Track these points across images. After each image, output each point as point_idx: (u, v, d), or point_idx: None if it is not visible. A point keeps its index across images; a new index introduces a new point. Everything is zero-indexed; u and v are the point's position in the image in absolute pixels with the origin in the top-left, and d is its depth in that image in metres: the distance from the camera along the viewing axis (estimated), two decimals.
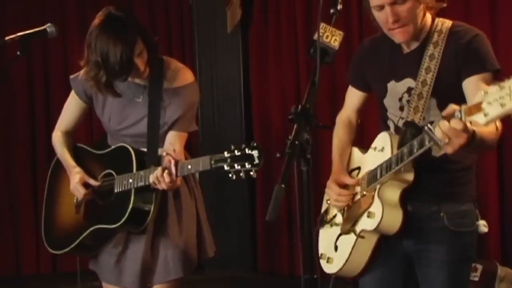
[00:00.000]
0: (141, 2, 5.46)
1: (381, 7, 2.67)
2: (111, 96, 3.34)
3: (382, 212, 2.67)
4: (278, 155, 2.25)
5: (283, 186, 2.13)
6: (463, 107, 2.28)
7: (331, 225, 2.97)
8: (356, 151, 3.02)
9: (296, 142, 2.23)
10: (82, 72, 3.40)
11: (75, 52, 5.37)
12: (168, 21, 5.45)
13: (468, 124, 2.31)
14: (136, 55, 3.18)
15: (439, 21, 2.79)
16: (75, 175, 3.44)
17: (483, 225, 2.78)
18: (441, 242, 2.76)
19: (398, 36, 2.74)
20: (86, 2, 5.50)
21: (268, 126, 5.04)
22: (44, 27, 3.35)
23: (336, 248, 2.91)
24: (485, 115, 2.13)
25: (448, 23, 2.78)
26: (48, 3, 5.58)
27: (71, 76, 3.53)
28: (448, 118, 2.36)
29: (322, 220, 3.02)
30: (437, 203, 2.76)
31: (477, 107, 2.16)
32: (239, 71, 5.10)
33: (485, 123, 2.14)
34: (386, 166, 2.68)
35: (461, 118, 2.27)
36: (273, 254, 5.02)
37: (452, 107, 2.36)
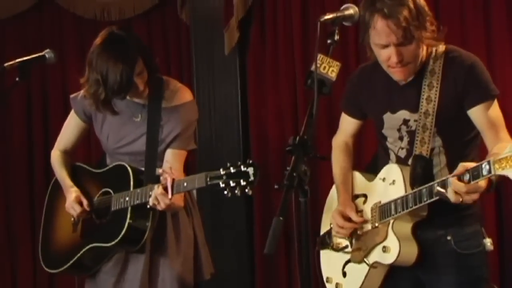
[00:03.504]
0: (140, 23, 5.47)
1: (385, 46, 2.69)
2: (108, 113, 3.37)
3: (399, 248, 2.73)
4: (276, 186, 2.27)
5: (281, 218, 2.15)
6: (492, 159, 2.31)
7: (337, 250, 3.00)
8: (359, 176, 3.04)
9: (294, 174, 2.25)
10: (82, 91, 3.44)
11: (74, 77, 5.44)
12: (166, 42, 5.46)
13: (482, 183, 2.37)
14: (135, 75, 3.21)
15: (433, 47, 2.81)
16: (71, 194, 3.46)
17: (489, 243, 2.82)
18: (449, 265, 2.80)
19: (398, 74, 2.76)
20: (84, 27, 5.51)
21: (266, 146, 5.04)
22: (43, 53, 3.39)
23: (344, 274, 2.95)
24: None
25: (441, 48, 2.80)
26: (47, 29, 5.59)
27: (71, 96, 3.56)
28: (459, 177, 2.40)
29: (323, 241, 3.05)
30: (443, 228, 2.79)
31: (507, 161, 2.20)
32: (237, 92, 5.11)
33: None
34: (402, 204, 2.71)
35: (490, 171, 2.31)
36: (270, 276, 4.99)
37: (463, 167, 2.41)
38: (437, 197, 2.57)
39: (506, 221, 4.19)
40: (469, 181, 2.40)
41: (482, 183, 2.43)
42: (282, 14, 4.92)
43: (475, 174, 2.41)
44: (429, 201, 2.62)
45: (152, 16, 5.45)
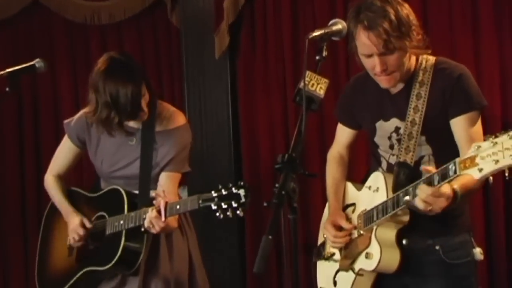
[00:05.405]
0: (130, 27, 5.47)
1: (369, 56, 2.73)
2: (123, 135, 3.37)
3: (380, 254, 2.76)
4: (265, 204, 2.29)
5: (270, 237, 2.17)
6: (457, 160, 2.34)
7: (328, 260, 3.03)
8: (350, 186, 3.08)
9: (283, 192, 2.27)
10: (75, 117, 3.46)
11: (63, 79, 5.43)
12: (156, 45, 5.45)
13: (446, 188, 2.39)
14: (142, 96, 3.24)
15: (423, 58, 2.85)
16: (76, 218, 3.47)
17: (479, 253, 2.84)
18: (438, 275, 2.83)
19: (384, 82, 2.80)
20: (74, 31, 5.49)
21: (257, 150, 5.05)
22: (32, 62, 3.38)
23: (335, 283, 2.99)
24: (480, 170, 2.20)
25: (431, 60, 2.84)
26: (37, 32, 5.56)
27: (65, 121, 3.57)
28: (428, 181, 2.43)
29: (318, 253, 3.09)
30: (432, 237, 2.82)
31: (472, 161, 2.23)
32: (228, 96, 5.12)
33: (479, 177, 2.21)
34: (383, 209, 2.75)
35: (455, 171, 2.34)
36: None
37: (427, 170, 2.44)
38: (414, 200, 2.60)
39: (495, 229, 4.20)
40: (438, 183, 2.45)
41: (446, 189, 2.48)
42: (272, 17, 4.93)
43: (443, 174, 2.45)
44: (406, 205, 2.65)
45: (142, 19, 5.44)
